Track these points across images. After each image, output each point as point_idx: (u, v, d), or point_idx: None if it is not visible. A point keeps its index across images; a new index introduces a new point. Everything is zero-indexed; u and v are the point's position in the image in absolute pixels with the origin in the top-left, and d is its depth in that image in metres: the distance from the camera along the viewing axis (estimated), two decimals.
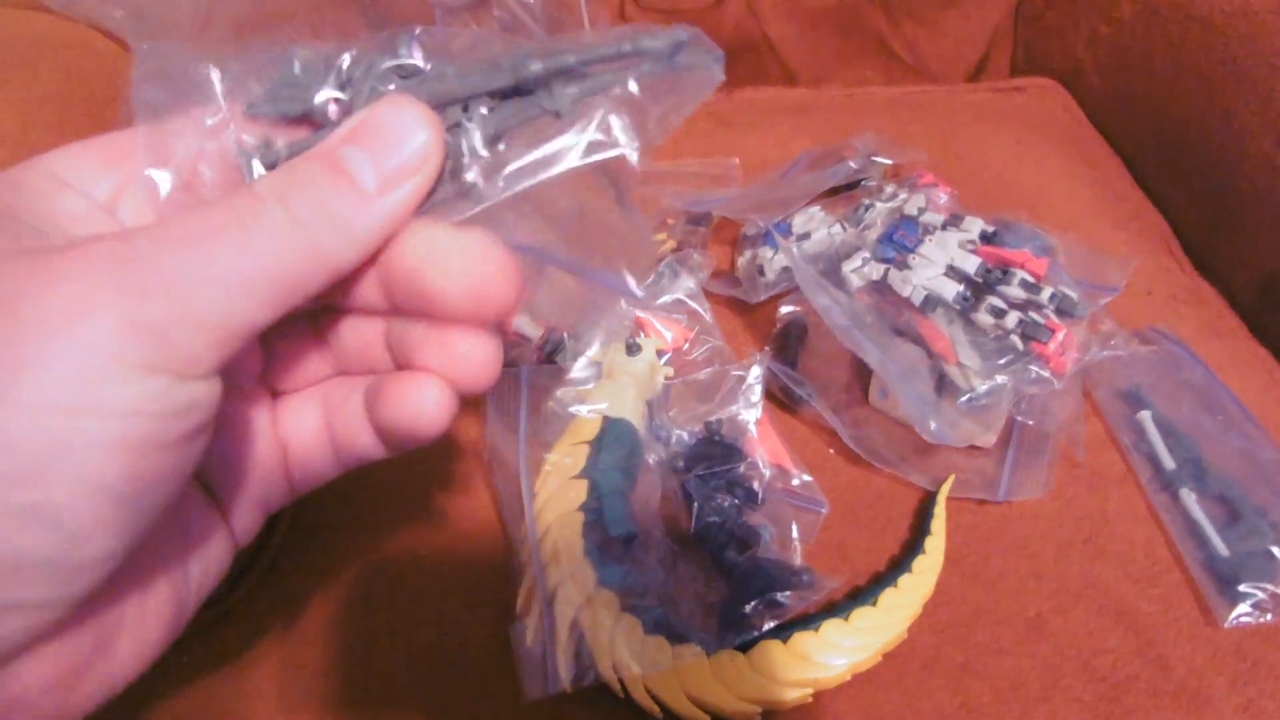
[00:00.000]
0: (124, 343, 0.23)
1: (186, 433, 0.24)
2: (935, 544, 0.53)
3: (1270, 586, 0.52)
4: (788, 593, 0.48)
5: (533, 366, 0.61)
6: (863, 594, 0.51)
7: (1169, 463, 0.57)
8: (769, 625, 0.47)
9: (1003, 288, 0.56)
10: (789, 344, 0.63)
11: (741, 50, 0.99)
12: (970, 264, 0.57)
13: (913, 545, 0.54)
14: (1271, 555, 0.53)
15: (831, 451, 0.59)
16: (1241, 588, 0.52)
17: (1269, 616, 0.51)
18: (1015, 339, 0.55)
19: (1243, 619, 0.51)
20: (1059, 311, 0.56)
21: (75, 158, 0.29)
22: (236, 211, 0.26)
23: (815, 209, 0.69)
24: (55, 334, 0.22)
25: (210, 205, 0.26)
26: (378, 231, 0.27)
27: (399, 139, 0.27)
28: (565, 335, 0.61)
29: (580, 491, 0.52)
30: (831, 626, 0.49)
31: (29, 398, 0.21)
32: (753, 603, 0.48)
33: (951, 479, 0.56)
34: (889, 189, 0.69)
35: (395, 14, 0.83)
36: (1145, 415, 0.59)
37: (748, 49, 0.99)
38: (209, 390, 0.25)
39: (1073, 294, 0.56)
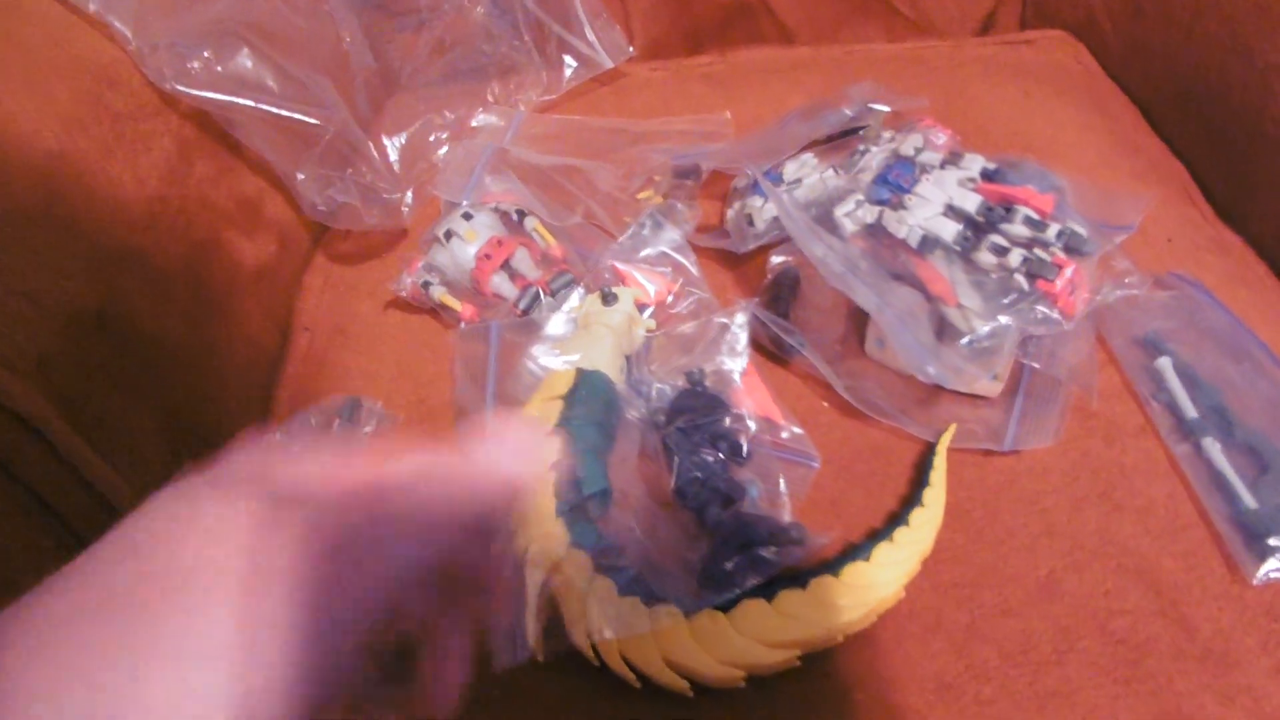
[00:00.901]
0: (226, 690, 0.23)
1: None
2: (934, 496, 0.49)
3: None
4: (774, 549, 0.44)
5: (503, 321, 0.57)
6: (856, 550, 0.48)
7: (1191, 412, 0.53)
8: (752, 582, 0.44)
9: (1005, 225, 0.52)
10: (780, 295, 0.59)
11: (737, 13, 0.95)
12: (970, 202, 0.53)
13: (910, 499, 0.50)
14: None
15: (825, 404, 0.55)
16: (1271, 541, 0.48)
17: None
18: (1020, 278, 0.51)
19: (1273, 575, 0.47)
20: (1067, 249, 0.52)
21: None
22: None
23: (808, 156, 0.65)
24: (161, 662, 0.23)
25: None
26: None
27: None
28: (540, 290, 0.58)
29: (552, 449, 0.49)
30: (821, 584, 0.45)
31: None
32: (735, 559, 0.44)
33: (953, 428, 0.52)
34: (886, 134, 0.65)
35: None
36: (1165, 362, 0.55)
37: (744, 11, 0.95)
38: None
39: (1081, 230, 0.52)
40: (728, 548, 0.45)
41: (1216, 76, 0.72)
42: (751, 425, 0.51)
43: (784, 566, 0.45)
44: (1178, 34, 0.75)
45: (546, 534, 0.46)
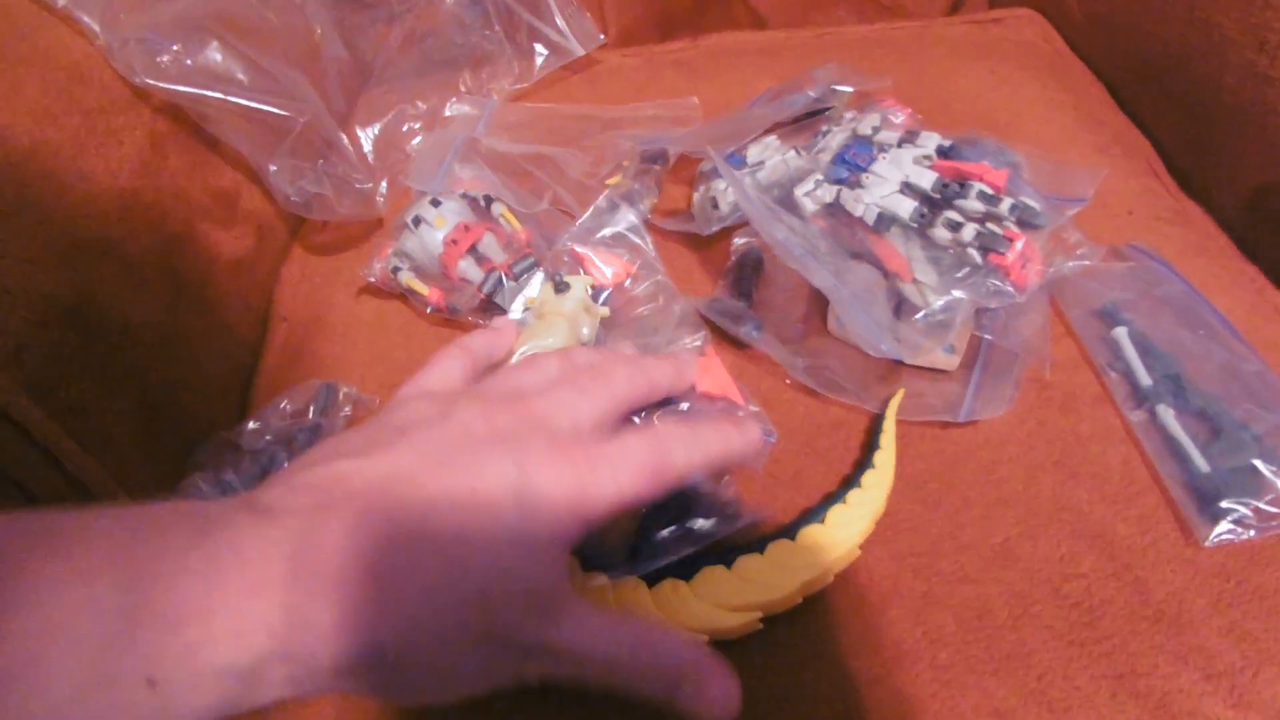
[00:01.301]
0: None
1: None
2: (885, 458, 0.51)
3: (1253, 501, 0.48)
4: (709, 520, 0.45)
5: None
6: (811, 513, 0.49)
7: (1145, 379, 0.54)
8: (685, 552, 0.45)
9: (960, 201, 0.53)
10: (744, 276, 0.60)
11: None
12: (926, 179, 0.54)
13: (862, 463, 0.51)
14: (1254, 469, 0.49)
15: (788, 382, 0.56)
16: (1223, 504, 0.49)
17: (1252, 533, 0.48)
18: (973, 252, 0.52)
19: (1224, 537, 0.48)
20: (1020, 223, 0.53)
21: None
22: None
23: (771, 139, 0.66)
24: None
25: None
26: None
27: None
28: (503, 275, 0.59)
29: None
30: (778, 547, 0.46)
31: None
32: (669, 529, 0.45)
33: (901, 392, 0.53)
34: (849, 115, 0.66)
35: None
36: (1121, 331, 0.56)
37: None
38: None
39: (1034, 204, 0.53)
40: (660, 515, 0.46)
41: (1176, 49, 0.73)
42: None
43: (717, 539, 0.46)
44: (1138, 7, 0.76)
45: None
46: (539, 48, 0.84)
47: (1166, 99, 0.75)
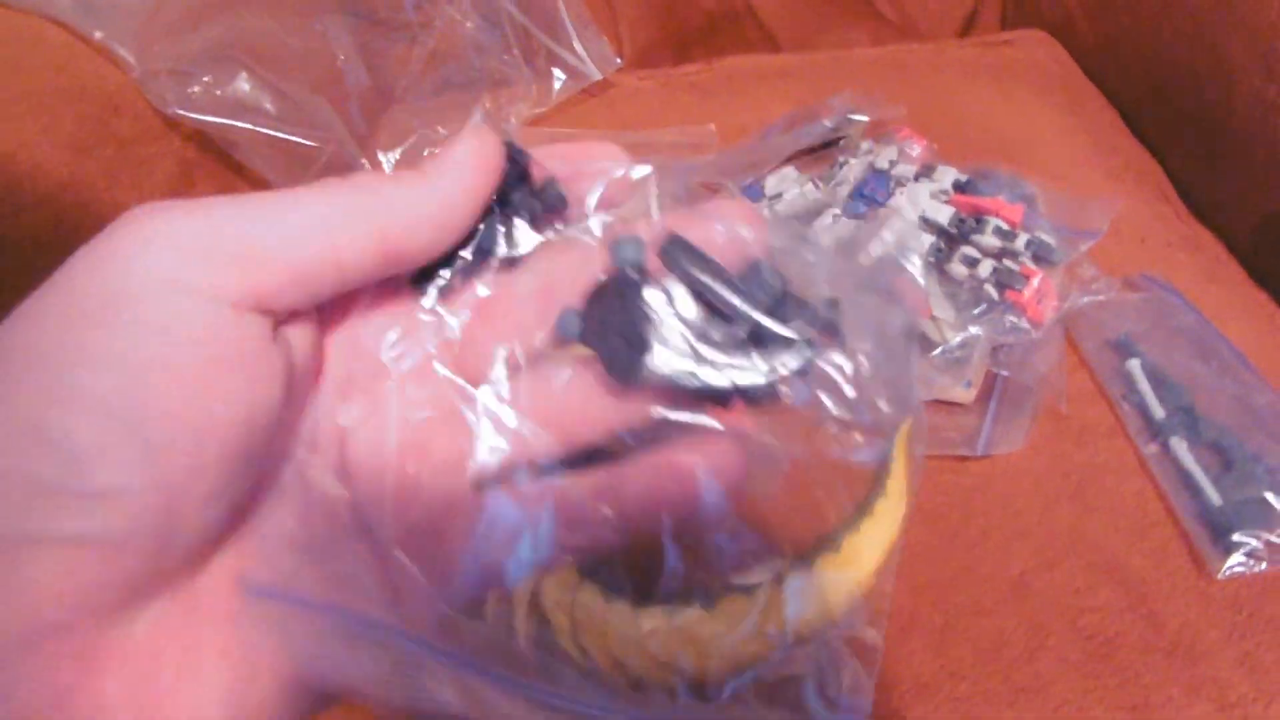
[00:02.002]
0: (203, 270, 0.23)
1: (251, 374, 0.23)
2: (896, 486, 0.52)
3: (1265, 534, 0.50)
4: None
5: None
6: (825, 542, 0.50)
7: (1159, 412, 0.55)
8: None
9: (977, 237, 0.54)
10: None
11: (723, 20, 0.97)
12: (943, 214, 0.55)
13: (875, 491, 0.53)
14: (1266, 502, 0.50)
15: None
16: (1235, 537, 0.50)
17: (1264, 565, 0.49)
18: (989, 288, 0.53)
19: (1237, 569, 0.49)
20: (1036, 258, 0.54)
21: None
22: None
23: (789, 169, 0.67)
24: (123, 270, 0.22)
25: None
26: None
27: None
28: None
29: None
30: (795, 578, 0.47)
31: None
32: None
33: (909, 421, 0.54)
34: (865, 145, 0.67)
35: None
36: (1134, 364, 0.57)
37: (729, 19, 0.97)
38: (295, 334, 0.25)
39: (1049, 239, 0.54)
40: None
41: (1186, 74, 0.73)
42: None
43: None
44: (1148, 32, 0.77)
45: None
46: (556, 71, 0.84)
47: (1178, 123, 0.76)
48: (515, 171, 0.29)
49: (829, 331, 0.29)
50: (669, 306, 0.28)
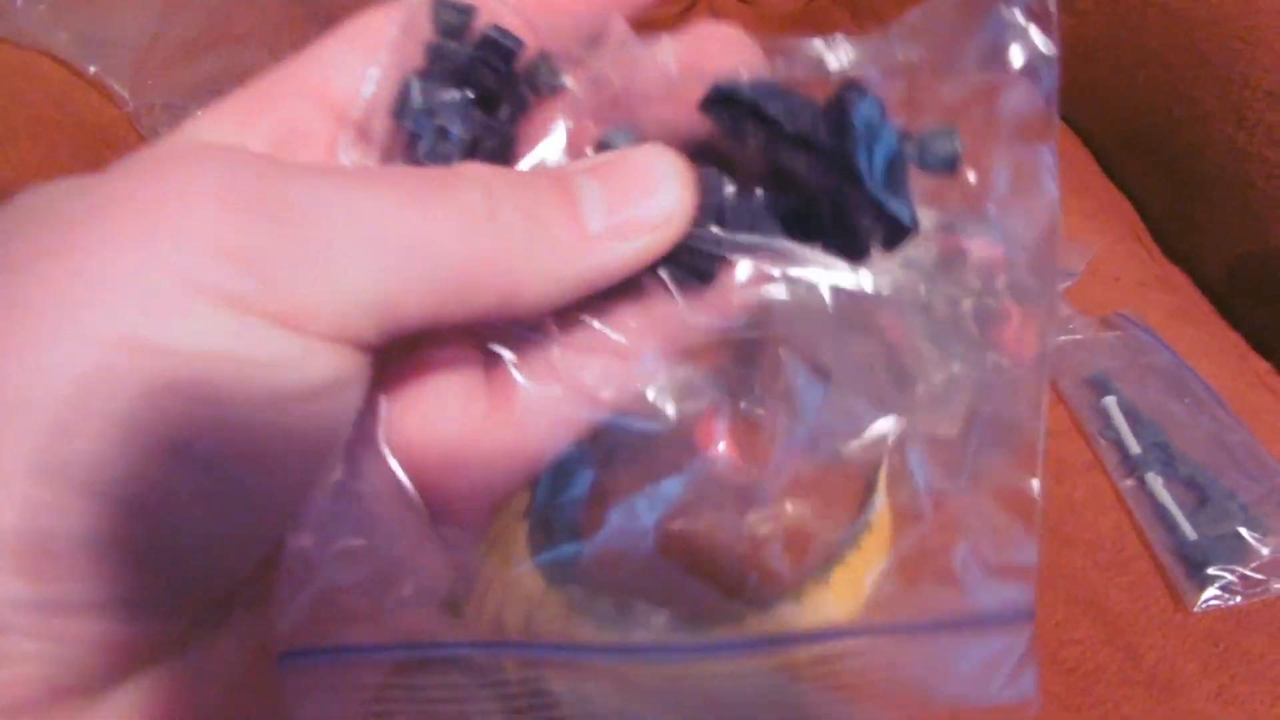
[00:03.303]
0: (210, 268, 0.18)
1: (286, 397, 0.19)
2: (881, 518, 0.53)
3: (1239, 568, 0.51)
4: None
5: None
6: (815, 571, 0.51)
7: (1135, 448, 0.56)
8: None
9: (958, 276, 0.55)
10: (748, 343, 0.62)
11: None
12: (925, 253, 0.56)
13: (859, 524, 0.54)
14: (1240, 537, 0.52)
15: (793, 444, 0.58)
16: (1210, 571, 0.51)
17: (1238, 599, 0.50)
18: (971, 327, 0.54)
19: (1212, 603, 0.50)
20: (1015, 297, 0.55)
21: (217, 121, 0.25)
22: (424, 176, 0.22)
23: None
24: (123, 249, 0.18)
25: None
26: (580, 280, 0.22)
27: (647, 189, 0.23)
28: None
29: (522, 497, 0.51)
30: (784, 609, 0.48)
31: (79, 327, 0.18)
32: None
33: (890, 453, 0.55)
34: None
35: None
36: (1110, 400, 0.59)
37: None
38: (331, 359, 0.20)
39: (1028, 279, 0.55)
40: None
41: (1160, 120, 0.76)
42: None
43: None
44: (1124, 80, 0.79)
45: (519, 579, 0.48)
46: None
47: (1151, 167, 0.78)
48: (497, 53, 0.25)
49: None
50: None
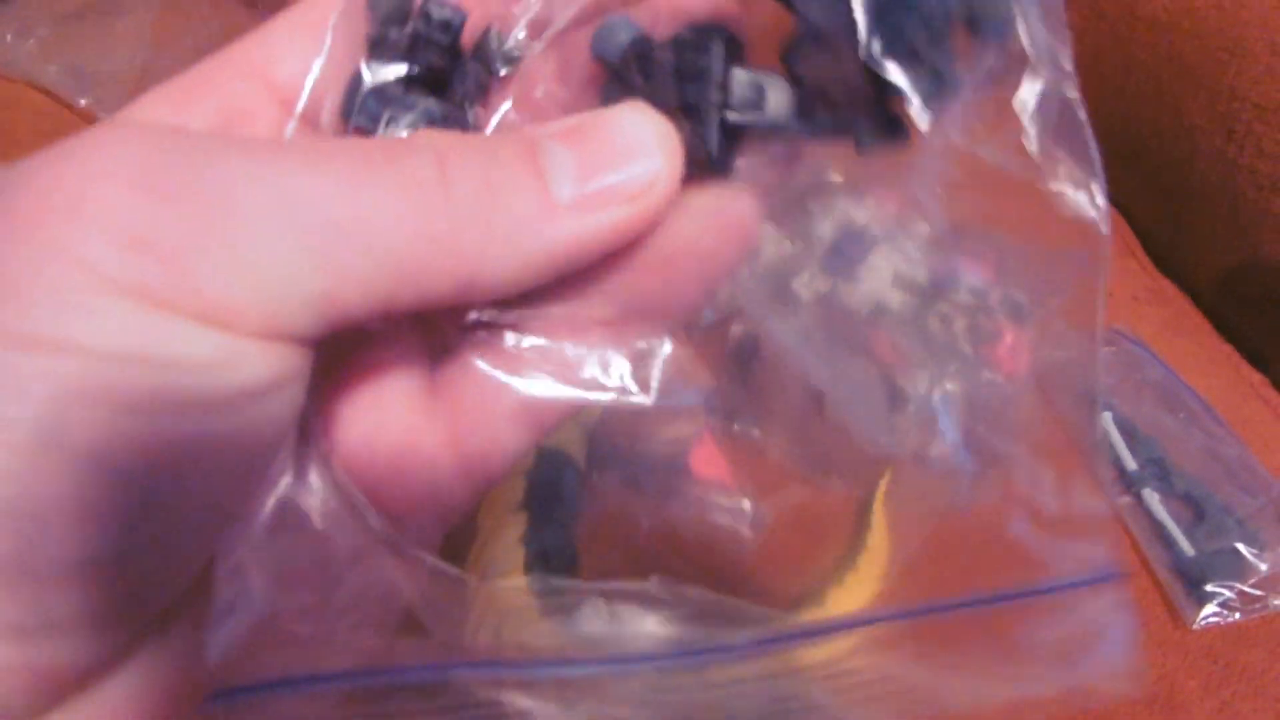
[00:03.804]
0: (115, 258, 0.16)
1: (212, 402, 0.17)
2: (877, 539, 0.52)
3: (1238, 584, 0.50)
4: None
5: None
6: (811, 595, 0.50)
7: (1131, 464, 0.56)
8: None
9: (950, 294, 0.55)
10: (741, 365, 0.62)
11: None
12: (917, 271, 0.56)
13: (856, 545, 0.53)
14: (1238, 552, 0.52)
15: (788, 466, 0.58)
16: (1209, 587, 0.50)
17: (1237, 615, 0.50)
18: (964, 344, 0.54)
19: (1211, 619, 0.50)
20: (1008, 315, 0.55)
21: (154, 104, 0.23)
22: (367, 147, 0.20)
23: (765, 226, 0.68)
24: (20, 238, 0.17)
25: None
26: (549, 258, 0.20)
27: (625, 153, 0.20)
28: None
29: (519, 523, 0.51)
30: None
31: None
32: None
33: (889, 474, 0.55)
34: (840, 199, 0.68)
35: None
36: (1106, 417, 0.58)
37: None
38: (263, 358, 0.18)
39: (1021, 296, 0.55)
40: None
41: (1149, 132, 0.76)
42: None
43: None
44: (1112, 93, 0.79)
45: (518, 605, 0.48)
46: None
47: (1141, 180, 0.78)
48: (436, 28, 0.23)
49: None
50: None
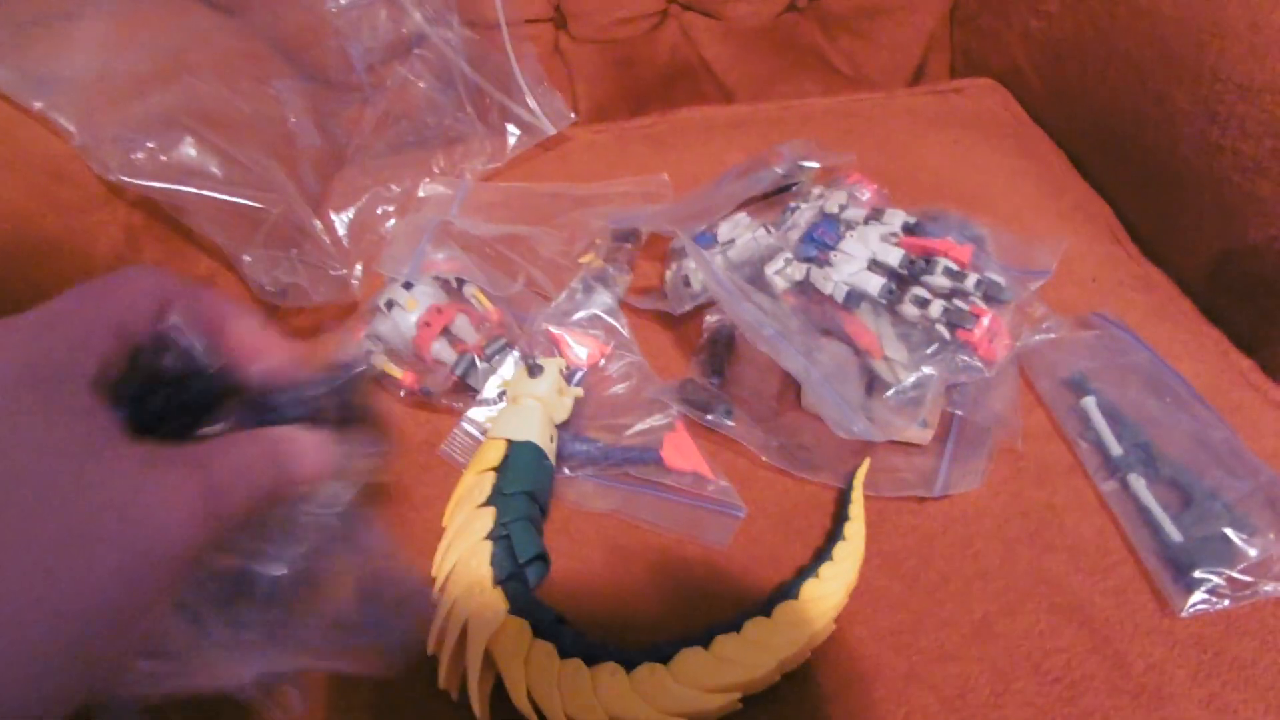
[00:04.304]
0: None
1: None
2: (854, 529, 0.51)
3: (1226, 570, 0.49)
4: None
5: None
6: (786, 589, 0.49)
7: (1116, 449, 0.55)
8: None
9: (927, 277, 0.54)
10: (716, 354, 0.60)
11: (679, 74, 0.98)
12: (893, 256, 0.55)
13: (833, 535, 0.52)
14: (1226, 538, 0.50)
15: (763, 460, 0.57)
16: (1197, 574, 0.49)
17: (1226, 602, 0.48)
18: (941, 328, 0.53)
19: (1199, 607, 0.48)
20: (986, 298, 0.54)
21: None
22: None
23: (742, 216, 0.67)
24: None
25: None
26: None
27: None
28: (475, 358, 0.59)
29: (487, 520, 0.50)
30: (754, 625, 0.47)
31: None
32: None
33: (867, 463, 0.54)
34: (816, 191, 0.67)
35: (315, 60, 0.82)
36: (1089, 401, 0.57)
37: (684, 73, 0.98)
38: None
39: (999, 279, 0.54)
40: None
41: (1131, 119, 0.74)
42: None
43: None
44: (1094, 80, 0.78)
45: (486, 603, 0.47)
46: (511, 127, 0.85)
47: (1126, 167, 0.76)
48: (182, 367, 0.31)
49: None
50: None
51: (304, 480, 0.32)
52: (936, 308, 0.52)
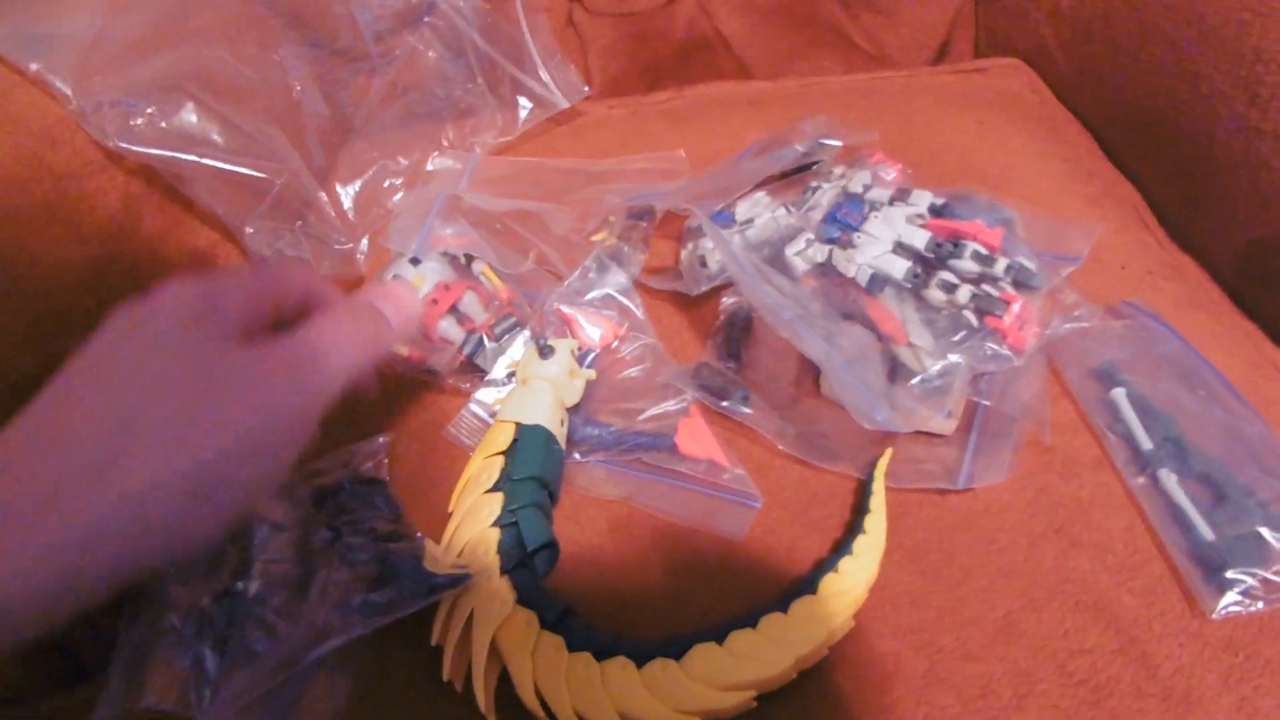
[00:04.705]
0: None
1: None
2: (875, 522, 0.49)
3: (1260, 571, 0.47)
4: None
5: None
6: (804, 584, 0.47)
7: (1146, 443, 0.53)
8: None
9: (954, 261, 0.52)
10: (732, 337, 0.59)
11: (695, 49, 0.96)
12: (919, 238, 0.53)
13: (853, 527, 0.50)
14: (1260, 537, 0.48)
15: (781, 446, 0.55)
16: (1229, 574, 0.47)
17: (1260, 605, 0.46)
18: (969, 314, 0.51)
19: (1231, 608, 0.47)
20: (1016, 284, 0.52)
21: None
22: None
23: (760, 195, 0.65)
24: None
25: None
26: None
27: None
28: (484, 336, 0.57)
29: (495, 506, 0.48)
30: (771, 621, 0.45)
31: None
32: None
33: (889, 453, 0.52)
34: (838, 170, 0.65)
35: (322, 27, 0.80)
36: (1119, 393, 0.55)
37: (701, 47, 0.95)
38: None
39: (1030, 264, 0.52)
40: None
41: (1165, 101, 0.72)
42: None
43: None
44: (1125, 60, 0.76)
45: (492, 592, 0.45)
46: (522, 100, 0.83)
47: (1156, 151, 0.74)
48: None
49: None
50: None
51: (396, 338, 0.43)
52: (964, 293, 0.50)
